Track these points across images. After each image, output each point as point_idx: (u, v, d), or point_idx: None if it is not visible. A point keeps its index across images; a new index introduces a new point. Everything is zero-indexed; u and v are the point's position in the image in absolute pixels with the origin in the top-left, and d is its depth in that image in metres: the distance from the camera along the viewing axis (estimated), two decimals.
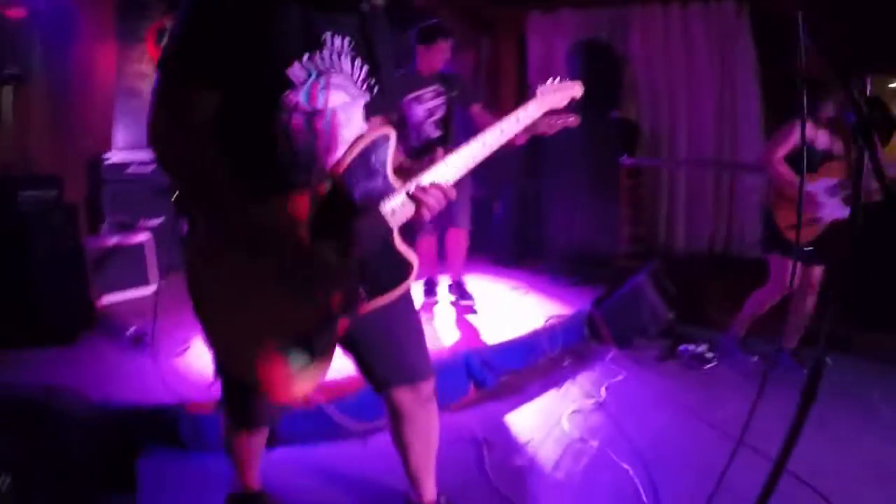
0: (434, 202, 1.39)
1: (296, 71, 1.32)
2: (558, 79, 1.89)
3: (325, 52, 1.36)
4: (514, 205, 5.23)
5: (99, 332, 3.45)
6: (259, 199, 1.30)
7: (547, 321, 3.66)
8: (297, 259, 1.32)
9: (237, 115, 1.34)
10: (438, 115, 3.68)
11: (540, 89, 1.83)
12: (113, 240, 3.91)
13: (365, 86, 1.48)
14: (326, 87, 1.38)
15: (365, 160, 1.40)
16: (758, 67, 5.13)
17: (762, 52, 5.08)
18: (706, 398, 3.07)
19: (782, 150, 3.26)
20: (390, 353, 1.61)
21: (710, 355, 3.53)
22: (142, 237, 4.01)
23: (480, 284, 4.54)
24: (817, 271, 3.34)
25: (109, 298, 3.83)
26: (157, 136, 1.31)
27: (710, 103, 5.25)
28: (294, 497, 2.20)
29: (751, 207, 5.02)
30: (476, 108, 3.72)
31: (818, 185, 3.22)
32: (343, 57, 1.40)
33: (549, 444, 2.62)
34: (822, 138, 3.27)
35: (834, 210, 3.20)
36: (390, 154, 1.44)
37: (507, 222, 5.27)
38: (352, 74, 1.43)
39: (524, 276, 4.80)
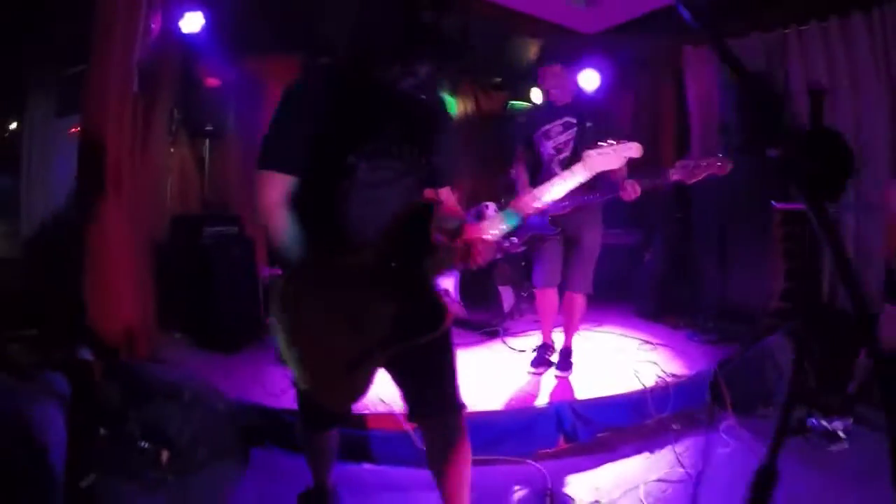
0: (478, 255, 1.71)
1: (354, 158, 1.70)
2: (613, 142, 1.97)
3: (380, 139, 1.74)
4: (663, 254, 5.03)
5: (261, 347, 4.09)
6: (331, 256, 1.68)
7: (658, 380, 3.51)
8: (354, 302, 1.65)
9: (309, 192, 1.73)
10: (567, 152, 3.46)
11: (587, 153, 1.93)
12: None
13: (417, 165, 1.82)
14: (378, 168, 1.74)
15: (411, 224, 1.71)
16: None
17: None
18: (820, 485, 2.73)
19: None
20: (421, 386, 1.86)
21: (843, 434, 3.12)
22: None
23: (608, 337, 4.48)
24: None
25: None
26: (267, 213, 1.68)
27: (883, 133, 4.40)
28: None
29: None
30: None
31: None
32: (394, 143, 1.77)
33: None
34: None
35: None
36: (433, 218, 1.73)
37: (655, 273, 5.08)
38: (403, 156, 1.79)
39: (661, 330, 4.61)
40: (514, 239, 3.54)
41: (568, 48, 5.33)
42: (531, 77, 5.93)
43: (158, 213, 4.09)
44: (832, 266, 4.45)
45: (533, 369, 3.73)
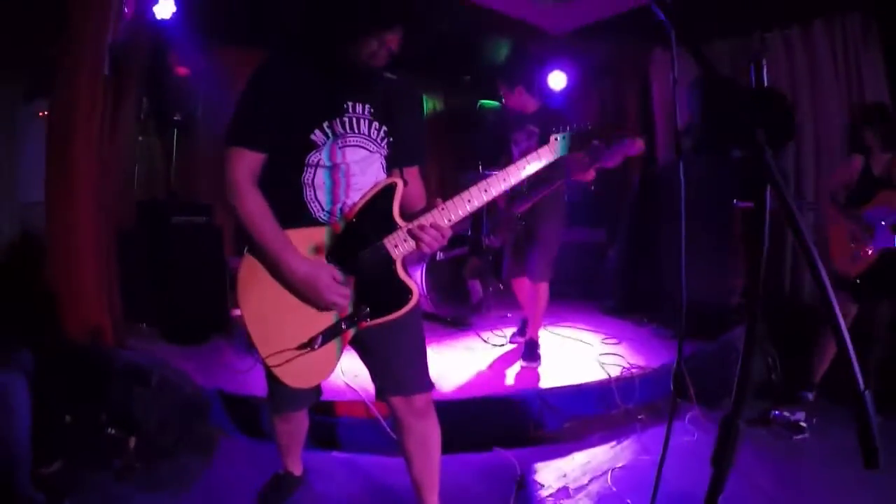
0: (430, 239, 1.71)
1: (318, 135, 1.71)
2: (576, 126, 1.96)
3: (346, 117, 1.74)
4: (627, 252, 5.14)
5: (229, 337, 4.05)
6: (296, 233, 1.70)
7: (623, 371, 3.59)
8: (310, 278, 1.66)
9: (276, 170, 1.75)
10: None
11: (554, 136, 1.93)
12: None
13: (384, 143, 1.82)
14: (344, 146, 1.75)
15: (374, 204, 1.75)
16: (888, 86, 4.50)
17: (893, 67, 4.49)
18: (782, 473, 2.83)
19: (832, 188, 3.51)
20: (389, 365, 1.87)
21: (804, 424, 3.25)
22: None
23: (573, 332, 4.56)
24: (883, 310, 3.36)
25: None
26: (234, 190, 1.69)
27: (839, 134, 4.66)
28: (338, 495, 2.48)
29: None
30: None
31: (870, 215, 3.30)
32: (363, 120, 1.77)
33: (582, 494, 2.61)
34: (878, 164, 3.33)
35: (884, 240, 3.24)
36: (396, 199, 1.76)
37: (618, 270, 5.18)
38: (369, 134, 1.79)
39: (626, 326, 4.72)
40: (492, 236, 3.69)
41: (536, 50, 5.44)
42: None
43: (126, 201, 4.01)
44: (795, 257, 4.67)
45: (514, 337, 4.09)
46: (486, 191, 1.75)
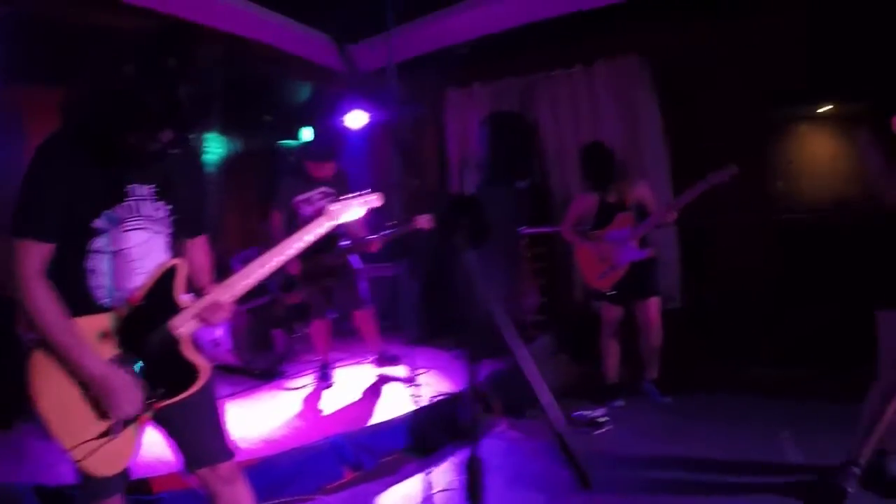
0: (213, 318, 1.78)
1: (101, 222, 1.70)
2: (356, 194, 2.16)
3: (129, 201, 1.73)
4: (428, 282, 5.36)
5: (31, 420, 3.48)
6: (82, 321, 1.67)
7: (433, 399, 3.73)
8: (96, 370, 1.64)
9: (59, 256, 1.69)
10: None
11: (330, 206, 2.07)
12: None
13: (167, 222, 1.82)
14: (126, 230, 1.74)
15: (157, 287, 1.77)
16: (660, 118, 5.25)
17: (664, 102, 5.25)
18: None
19: (569, 220, 4.04)
20: (190, 439, 1.88)
21: (604, 419, 3.64)
22: None
23: (383, 367, 4.63)
24: (652, 307, 3.89)
25: None
26: (25, 285, 1.61)
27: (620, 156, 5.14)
28: None
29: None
30: None
31: (612, 236, 3.86)
32: (146, 202, 1.76)
33: None
34: (611, 194, 3.92)
35: (630, 254, 3.82)
36: (178, 280, 1.80)
37: (422, 300, 5.40)
38: (152, 215, 1.78)
39: (433, 353, 4.89)
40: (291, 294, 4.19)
41: (336, 90, 5.57)
42: (301, 116, 6.06)
43: None
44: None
45: (318, 383, 4.26)
46: (264, 265, 1.85)
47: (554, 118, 5.68)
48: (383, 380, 4.34)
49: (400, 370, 4.37)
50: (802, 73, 4.59)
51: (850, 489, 2.53)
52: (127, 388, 1.66)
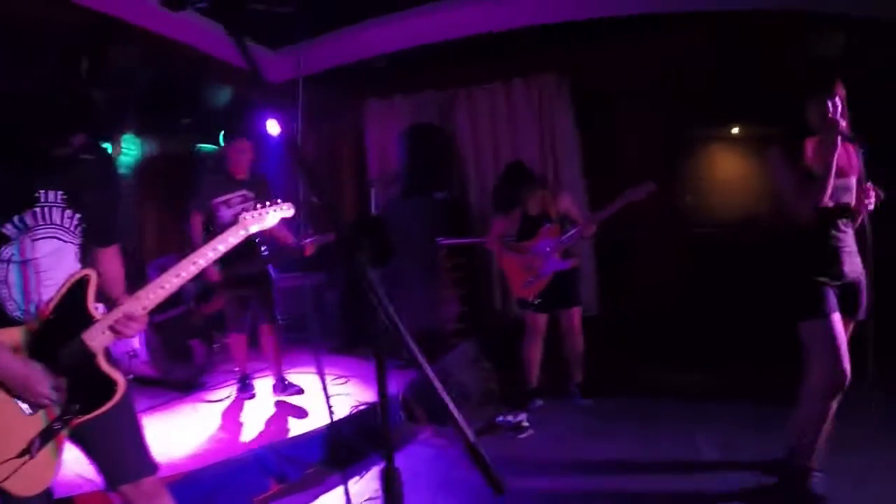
0: (127, 329, 1.72)
1: (9, 228, 1.62)
2: (270, 203, 2.16)
3: (38, 207, 1.64)
4: (347, 292, 5.37)
5: None
6: None
7: (353, 409, 3.77)
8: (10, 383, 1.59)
9: None
10: None
11: (244, 215, 2.08)
12: None
13: (77, 231, 1.75)
14: (35, 238, 1.65)
15: (68, 299, 1.70)
16: (577, 134, 5.53)
17: (581, 119, 5.52)
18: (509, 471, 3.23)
19: (494, 234, 4.15)
20: (110, 456, 1.84)
21: (526, 424, 3.78)
22: None
23: (302, 377, 4.65)
24: (575, 315, 4.09)
25: None
26: None
27: (537, 169, 5.33)
28: None
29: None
30: None
31: (538, 247, 4.00)
32: (55, 209, 1.68)
33: None
34: (533, 207, 4.05)
35: (554, 265, 3.97)
36: (90, 291, 1.73)
37: (342, 310, 5.40)
38: (62, 224, 1.70)
39: (353, 363, 4.92)
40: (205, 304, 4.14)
41: (254, 97, 5.48)
42: (220, 121, 5.91)
43: None
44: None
45: (238, 395, 4.20)
46: (178, 275, 1.80)
47: (473, 131, 5.85)
48: (305, 390, 4.33)
49: (311, 389, 4.36)
50: (713, 95, 4.91)
51: (823, 491, 2.59)
52: (36, 372, 1.60)
